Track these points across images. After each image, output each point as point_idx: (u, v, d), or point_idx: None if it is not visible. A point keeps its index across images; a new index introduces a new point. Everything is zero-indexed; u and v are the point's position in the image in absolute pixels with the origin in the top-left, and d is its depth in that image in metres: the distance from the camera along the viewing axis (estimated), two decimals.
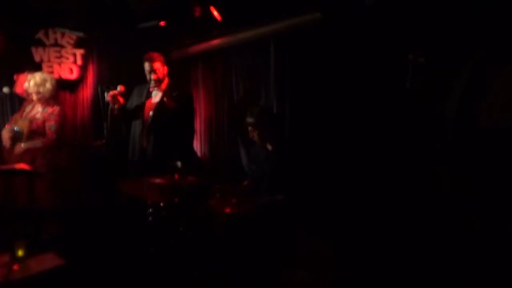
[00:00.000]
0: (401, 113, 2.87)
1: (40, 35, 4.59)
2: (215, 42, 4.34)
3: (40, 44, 4.59)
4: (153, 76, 3.59)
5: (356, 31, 3.14)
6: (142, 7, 3.88)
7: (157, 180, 2.78)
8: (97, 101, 4.78)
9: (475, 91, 2.61)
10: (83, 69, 4.83)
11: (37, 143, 3.68)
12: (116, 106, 3.47)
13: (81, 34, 4.54)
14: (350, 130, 3.22)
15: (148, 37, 4.43)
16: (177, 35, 4.69)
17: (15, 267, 2.64)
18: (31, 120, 3.70)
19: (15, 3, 4.03)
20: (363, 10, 3.01)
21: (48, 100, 3.81)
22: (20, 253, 2.70)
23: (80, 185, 4.25)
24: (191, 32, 4.54)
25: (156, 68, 3.59)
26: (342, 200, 3.14)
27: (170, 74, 3.75)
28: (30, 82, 3.72)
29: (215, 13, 3.77)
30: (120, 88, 3.46)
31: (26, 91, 3.78)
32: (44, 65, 4.58)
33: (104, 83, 4.15)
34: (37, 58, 4.57)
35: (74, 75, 4.76)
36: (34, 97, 3.76)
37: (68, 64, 4.72)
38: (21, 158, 3.59)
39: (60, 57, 4.68)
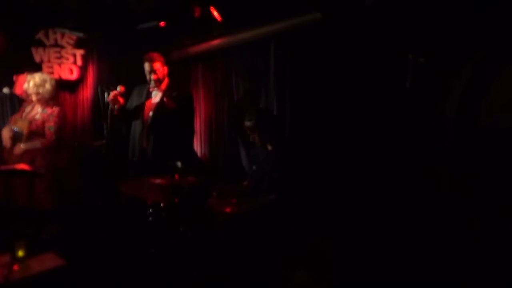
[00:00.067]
0: (401, 113, 2.87)
1: (40, 35, 4.59)
2: (215, 42, 4.34)
3: (40, 44, 4.60)
4: (153, 77, 3.59)
5: (356, 31, 3.14)
6: (142, 7, 3.88)
7: (157, 180, 2.79)
8: (97, 102, 4.79)
9: (475, 91, 2.61)
10: (83, 69, 4.83)
11: (37, 143, 3.68)
12: (116, 106, 3.47)
13: (81, 35, 4.54)
14: (350, 130, 3.22)
15: (148, 38, 4.43)
16: (177, 36, 4.69)
17: (15, 267, 2.64)
18: (31, 121, 3.70)
19: (15, 3, 4.03)
20: (363, 10, 3.01)
21: (48, 101, 3.81)
22: (20, 253, 2.70)
23: (80, 185, 4.25)
24: (191, 32, 4.54)
25: (156, 68, 3.59)
26: (342, 200, 3.14)
27: (170, 74, 3.75)
28: (30, 83, 3.72)
29: (215, 13, 3.77)
30: (120, 88, 3.46)
31: (25, 92, 3.78)
32: (44, 66, 4.59)
33: (104, 84, 4.15)
34: (37, 59, 4.58)
35: (74, 76, 4.76)
36: (34, 98, 3.76)
37: (68, 64, 4.73)
38: (20, 158, 3.60)
39: (60, 57, 4.68)
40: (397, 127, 2.90)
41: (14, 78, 3.92)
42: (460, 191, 2.65)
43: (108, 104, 3.45)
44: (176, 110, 3.48)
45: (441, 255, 2.55)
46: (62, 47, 4.68)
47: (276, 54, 3.84)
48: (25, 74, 3.82)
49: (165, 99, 3.48)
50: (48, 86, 3.77)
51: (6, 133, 3.72)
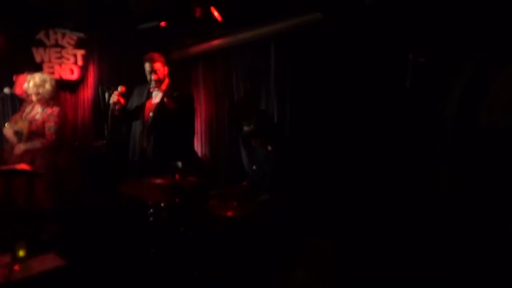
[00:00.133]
0: (401, 113, 2.87)
1: (41, 35, 4.60)
2: (216, 42, 4.34)
3: (41, 44, 4.60)
4: (153, 77, 3.59)
5: (356, 31, 3.14)
6: (143, 7, 3.89)
7: (158, 181, 2.79)
8: (98, 102, 4.81)
9: (475, 91, 2.61)
10: (84, 69, 4.84)
11: (37, 144, 3.68)
12: (116, 106, 3.47)
13: (81, 35, 4.55)
14: (350, 130, 3.22)
15: (149, 38, 4.44)
16: (177, 36, 4.69)
17: (16, 267, 2.64)
18: (31, 121, 3.70)
19: (16, 4, 4.03)
20: (363, 10, 3.01)
21: (48, 101, 3.81)
22: (21, 253, 2.70)
23: (80, 185, 4.26)
24: (192, 32, 4.55)
25: (157, 68, 3.59)
26: (342, 200, 3.14)
27: (170, 74, 3.75)
28: (30, 83, 3.72)
29: (216, 13, 3.77)
30: (120, 88, 3.46)
31: (25, 92, 3.78)
32: (44, 66, 4.59)
33: (104, 84, 4.16)
34: (37, 59, 4.58)
35: (74, 76, 4.77)
36: (34, 98, 3.76)
37: (69, 64, 4.73)
38: (20, 158, 3.60)
39: (61, 57, 4.69)
40: (397, 127, 2.90)
41: (14, 78, 3.93)
42: (460, 191, 2.65)
43: (108, 104, 3.45)
44: (176, 111, 3.49)
45: (441, 255, 2.55)
46: (62, 47, 4.69)
47: (277, 54, 3.84)
48: (25, 74, 3.82)
49: (165, 99, 3.48)
50: (48, 86, 3.77)
51: (9, 131, 3.73)
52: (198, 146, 4.97)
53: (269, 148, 3.15)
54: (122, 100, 3.51)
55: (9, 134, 3.74)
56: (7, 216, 3.48)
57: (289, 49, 3.72)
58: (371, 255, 2.74)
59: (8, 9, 4.07)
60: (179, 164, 3.19)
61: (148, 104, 3.71)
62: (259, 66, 4.06)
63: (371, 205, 2.98)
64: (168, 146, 3.59)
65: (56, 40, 4.66)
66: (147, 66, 3.63)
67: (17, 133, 3.70)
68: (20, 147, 3.65)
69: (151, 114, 3.63)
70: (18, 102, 4.20)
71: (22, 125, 3.69)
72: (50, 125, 3.71)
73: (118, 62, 4.97)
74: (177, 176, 2.84)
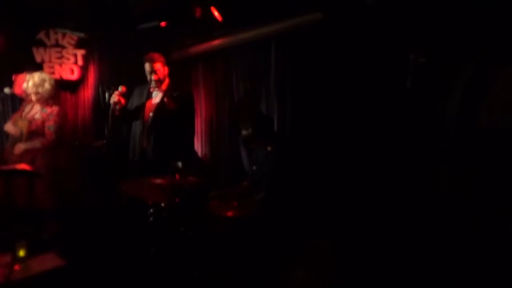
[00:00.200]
0: (401, 113, 2.87)
1: (41, 35, 4.60)
2: (216, 42, 4.35)
3: (41, 44, 4.60)
4: (153, 77, 3.59)
5: (357, 31, 3.14)
6: (143, 7, 3.89)
7: (158, 181, 2.79)
8: (98, 102, 4.81)
9: (475, 91, 2.61)
10: (84, 69, 4.84)
11: (37, 143, 3.67)
12: (117, 106, 3.48)
13: (82, 35, 4.55)
14: (350, 130, 3.22)
15: (149, 38, 4.44)
16: (177, 36, 4.69)
17: (16, 267, 2.65)
18: (30, 121, 3.70)
19: (16, 4, 4.03)
20: (364, 10, 3.01)
21: (47, 100, 3.80)
22: (21, 253, 2.71)
23: (80, 185, 4.25)
24: (192, 32, 4.55)
25: (157, 68, 3.59)
26: (343, 200, 3.14)
27: (170, 74, 3.75)
28: (29, 83, 3.71)
29: (216, 13, 3.77)
30: (121, 88, 3.47)
31: (24, 91, 3.77)
32: (45, 66, 4.59)
33: (105, 84, 4.16)
34: (38, 59, 4.58)
35: (75, 76, 4.77)
36: (33, 97, 3.75)
37: (69, 64, 4.73)
38: (21, 158, 3.60)
39: (61, 57, 4.69)
40: (397, 127, 2.90)
41: (13, 77, 3.92)
42: (460, 191, 2.64)
43: (109, 104, 3.46)
44: (176, 111, 3.49)
45: (441, 255, 2.55)
46: (63, 47, 4.69)
47: (277, 54, 3.84)
48: (24, 74, 3.82)
49: (165, 99, 3.48)
50: (47, 85, 3.76)
51: (11, 126, 3.73)
52: (198, 146, 4.97)
53: (269, 148, 3.16)
54: (122, 100, 3.51)
55: (11, 129, 3.74)
56: (8, 216, 3.48)
57: (289, 49, 3.72)
58: (371, 255, 2.73)
59: (8, 9, 4.07)
60: (179, 164, 3.19)
61: (148, 104, 3.71)
62: (259, 66, 4.06)
63: (372, 205, 2.98)
64: (168, 146, 3.59)
65: (57, 40, 4.66)
66: (147, 66, 3.63)
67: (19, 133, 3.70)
68: (20, 147, 3.65)
69: (151, 114, 3.63)
70: (18, 102, 4.20)
71: (22, 125, 3.68)
72: (50, 125, 3.71)
73: (118, 62, 4.97)
74: (177, 176, 2.84)
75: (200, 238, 2.82)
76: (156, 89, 3.66)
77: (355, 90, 3.19)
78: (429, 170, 2.77)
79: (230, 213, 2.70)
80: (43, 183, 3.66)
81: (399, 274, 2.55)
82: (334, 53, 3.34)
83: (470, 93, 2.62)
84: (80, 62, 4.77)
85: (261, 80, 4.05)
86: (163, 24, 4.09)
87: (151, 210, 2.93)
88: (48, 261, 2.80)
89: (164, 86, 3.66)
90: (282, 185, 2.96)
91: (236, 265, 2.64)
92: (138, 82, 3.88)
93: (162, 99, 3.56)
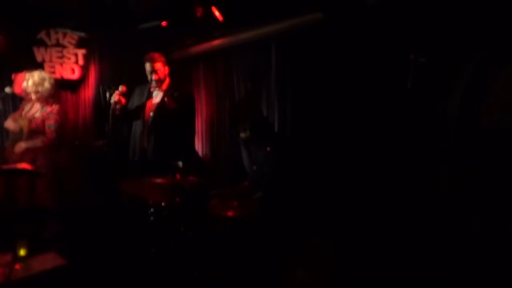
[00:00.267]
0: (402, 113, 2.87)
1: (42, 35, 4.60)
2: (217, 42, 4.35)
3: (42, 44, 4.61)
4: (154, 77, 3.59)
5: (357, 31, 3.14)
6: (144, 7, 3.89)
7: (158, 180, 2.79)
8: (99, 101, 4.82)
9: (476, 91, 2.60)
10: (85, 69, 4.84)
11: (37, 142, 3.67)
12: (117, 106, 3.48)
13: (82, 34, 4.56)
14: (351, 130, 3.22)
15: (150, 37, 4.44)
16: (178, 36, 4.70)
17: (17, 266, 2.65)
18: (30, 120, 3.69)
19: (17, 4, 4.04)
20: (364, 10, 3.01)
21: (47, 99, 3.79)
22: (21, 252, 2.71)
23: (80, 184, 4.26)
24: (193, 32, 4.55)
25: (157, 68, 3.59)
26: (343, 200, 3.14)
27: (171, 74, 3.75)
28: (29, 82, 3.71)
29: (217, 13, 3.77)
30: (121, 88, 3.47)
31: (24, 90, 3.77)
32: (46, 65, 4.60)
33: (105, 83, 4.16)
34: (39, 58, 4.59)
35: (75, 75, 4.78)
36: (33, 96, 3.75)
37: (70, 64, 4.74)
38: (21, 157, 3.60)
39: (62, 57, 4.69)
40: (398, 127, 2.90)
41: (13, 76, 3.92)
42: (460, 191, 2.64)
43: (109, 104, 3.46)
44: (177, 110, 3.49)
45: (441, 255, 2.55)
46: (63, 46, 4.69)
47: (277, 54, 3.84)
48: (23, 73, 3.81)
49: (166, 99, 3.48)
50: (47, 84, 3.76)
51: (11, 123, 3.73)
52: (198, 146, 4.97)
53: (268, 149, 3.16)
54: (123, 100, 3.51)
55: (11, 125, 3.74)
56: (8, 215, 3.49)
57: (290, 49, 3.72)
58: (372, 255, 2.73)
59: (9, 9, 4.08)
60: (180, 164, 3.19)
61: (148, 104, 3.71)
62: (260, 66, 4.06)
63: (372, 205, 2.98)
64: (169, 146, 3.59)
65: (57, 40, 4.67)
66: (147, 66, 3.63)
67: (17, 132, 3.70)
68: (21, 146, 3.65)
69: (151, 114, 3.64)
70: (19, 102, 4.20)
71: (22, 124, 3.68)
72: (50, 123, 3.70)
73: (119, 62, 4.97)
74: (177, 176, 2.84)
75: (200, 238, 2.82)
76: (157, 88, 3.66)
77: (355, 90, 3.19)
78: (429, 170, 2.77)
79: (230, 213, 2.70)
80: (44, 182, 3.66)
81: (399, 274, 2.55)
82: (335, 53, 3.34)
83: (470, 93, 2.62)
84: (80, 61, 4.77)
85: (261, 80, 4.05)
86: (163, 23, 4.09)
87: (152, 210, 2.93)
88: (49, 261, 2.80)
89: (165, 86, 3.67)
90: (281, 185, 2.96)
91: (236, 265, 2.65)
92: (138, 82, 3.88)
93: (162, 99, 3.57)
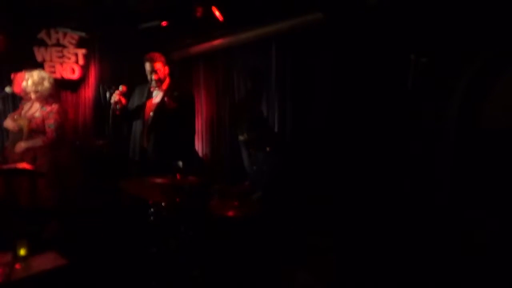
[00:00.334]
0: (402, 113, 2.87)
1: (42, 35, 4.61)
2: (217, 42, 4.35)
3: (42, 44, 4.61)
4: (154, 76, 3.59)
5: (358, 31, 3.14)
6: (144, 7, 3.88)
7: (159, 180, 2.79)
8: (99, 101, 4.82)
9: (476, 91, 2.60)
10: (85, 69, 4.84)
11: (38, 141, 3.67)
12: (117, 106, 3.48)
13: (83, 34, 4.55)
14: (351, 130, 3.22)
15: (150, 37, 4.44)
16: (178, 35, 4.69)
17: (17, 266, 2.64)
18: (30, 119, 3.69)
19: (17, 3, 4.03)
20: (365, 10, 3.01)
21: (47, 98, 3.79)
22: (22, 252, 2.70)
23: (80, 184, 4.25)
24: (193, 32, 4.55)
25: (157, 68, 3.59)
26: (343, 200, 3.14)
27: (171, 74, 3.75)
28: (28, 81, 3.70)
29: (217, 13, 3.77)
30: (121, 88, 3.47)
31: (24, 90, 3.76)
32: (46, 65, 4.60)
33: (105, 83, 4.16)
34: (39, 58, 4.59)
35: (76, 75, 4.78)
36: (32, 95, 3.74)
37: (70, 64, 4.74)
38: (22, 157, 3.60)
39: (62, 57, 4.69)
40: (398, 127, 2.90)
41: (12, 76, 3.91)
42: (460, 191, 2.64)
43: (109, 103, 3.46)
44: (177, 110, 3.49)
45: (441, 256, 2.55)
46: (64, 46, 4.69)
47: (278, 54, 3.84)
48: (23, 72, 3.81)
49: (166, 99, 3.48)
50: (46, 83, 3.75)
51: (10, 123, 3.73)
52: (199, 146, 4.97)
53: (268, 148, 3.16)
54: (123, 100, 3.52)
55: (10, 125, 3.73)
56: (9, 215, 3.48)
57: (290, 49, 3.72)
58: (372, 255, 2.73)
59: (9, 8, 4.07)
60: (180, 163, 3.19)
61: (148, 104, 3.72)
62: (260, 66, 4.06)
63: (372, 205, 2.98)
64: (169, 146, 3.59)
65: (58, 40, 4.67)
66: (147, 65, 3.63)
67: (17, 132, 3.70)
68: (21, 145, 3.64)
69: (151, 113, 3.64)
70: (19, 101, 4.20)
71: (22, 123, 3.68)
72: (50, 123, 3.70)
73: (119, 62, 4.98)
74: (177, 176, 2.84)
75: (201, 238, 2.82)
76: (157, 88, 3.66)
77: (356, 90, 3.19)
78: (429, 171, 2.77)
79: (230, 213, 2.70)
80: (45, 182, 3.66)
81: (399, 274, 2.55)
82: (335, 54, 3.34)
83: (470, 94, 2.62)
84: (81, 61, 4.77)
85: (262, 80, 4.05)
86: (164, 23, 4.08)
87: (152, 210, 2.93)
88: (49, 260, 2.80)
89: (165, 85, 3.67)
90: (280, 184, 2.96)
91: (236, 265, 2.65)
92: (138, 82, 3.88)
93: (162, 99, 3.57)
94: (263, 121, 3.76)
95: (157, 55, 3.64)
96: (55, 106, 3.78)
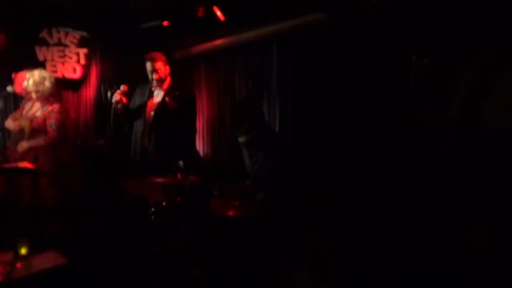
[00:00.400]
0: (403, 113, 2.87)
1: (44, 34, 4.61)
2: (218, 42, 4.35)
3: (44, 43, 4.62)
4: (154, 76, 3.60)
5: (359, 31, 3.13)
6: (145, 6, 3.89)
7: (160, 180, 2.79)
8: (100, 101, 4.83)
9: (477, 92, 2.60)
10: (87, 68, 4.85)
11: (39, 141, 3.68)
12: (119, 105, 3.48)
13: (84, 34, 4.56)
14: (352, 130, 3.22)
15: (151, 37, 4.44)
16: (180, 35, 4.69)
17: (18, 265, 2.64)
18: (31, 119, 3.70)
19: (19, 3, 4.04)
20: (367, 11, 3.01)
21: (48, 97, 3.80)
22: (23, 251, 2.70)
23: (82, 183, 4.26)
24: (194, 32, 4.55)
25: (158, 67, 3.60)
26: (344, 200, 3.14)
27: (172, 73, 3.75)
28: (29, 81, 3.71)
29: (218, 13, 3.77)
30: (123, 87, 3.47)
31: (25, 89, 3.77)
32: (47, 64, 4.61)
33: (107, 83, 4.16)
34: (40, 57, 4.60)
35: (77, 75, 4.78)
36: (33, 95, 3.75)
37: (72, 63, 4.74)
38: (24, 156, 3.60)
39: (64, 56, 4.70)
40: (399, 128, 2.90)
41: (13, 76, 3.92)
42: (461, 192, 2.64)
43: (111, 103, 3.47)
44: (178, 110, 3.49)
45: (442, 256, 2.54)
46: (65, 46, 4.70)
47: (279, 54, 3.84)
48: (24, 72, 3.81)
49: (167, 98, 3.49)
50: (47, 83, 3.76)
51: (12, 123, 3.73)
52: (200, 146, 4.97)
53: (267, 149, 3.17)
54: (124, 99, 3.52)
55: (11, 125, 3.74)
56: (10, 214, 3.49)
57: (291, 49, 3.71)
58: (372, 255, 2.73)
59: (11, 8, 4.08)
60: (181, 163, 3.19)
61: (149, 103, 3.72)
62: (261, 66, 4.06)
63: (373, 206, 2.98)
64: (170, 145, 3.59)
65: (59, 39, 4.67)
66: (148, 65, 3.63)
67: (18, 132, 3.70)
68: (23, 145, 3.65)
69: (152, 113, 3.64)
70: (20, 100, 4.21)
71: (23, 123, 3.68)
72: (51, 122, 3.71)
73: (120, 61, 4.98)
74: (178, 175, 2.85)
75: (201, 238, 2.82)
76: (158, 88, 3.66)
77: (357, 90, 3.18)
78: (430, 171, 2.77)
79: (231, 213, 2.70)
80: (48, 181, 3.67)
81: (399, 274, 2.55)
82: (337, 53, 3.34)
83: (472, 94, 2.61)
84: (82, 61, 4.78)
85: (263, 80, 4.05)
86: (165, 23, 4.09)
87: (153, 209, 2.94)
88: (50, 259, 2.80)
89: (166, 85, 3.67)
90: (281, 184, 2.96)
91: (237, 265, 2.65)
92: (140, 81, 3.88)
93: (163, 98, 3.57)
94: (262, 122, 3.76)
95: (158, 54, 3.64)
96: (56, 106, 3.78)
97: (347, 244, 2.86)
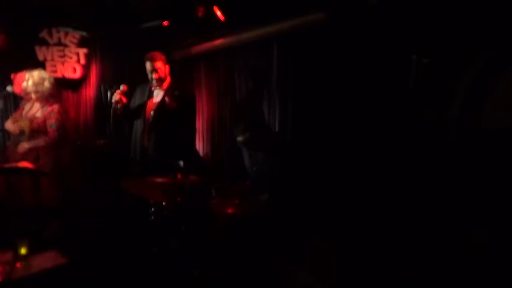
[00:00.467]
0: (403, 113, 2.87)
1: (44, 34, 4.61)
2: (218, 42, 4.35)
3: (44, 43, 4.61)
4: (154, 76, 3.60)
5: (359, 31, 3.13)
6: (145, 6, 3.89)
7: (160, 180, 2.79)
8: (100, 100, 4.83)
9: (478, 92, 2.60)
10: (86, 68, 4.85)
11: (40, 141, 3.68)
12: (118, 105, 3.48)
13: (84, 34, 4.56)
14: (352, 130, 3.22)
15: (151, 37, 4.44)
16: (180, 35, 4.69)
17: (18, 265, 2.65)
18: (31, 120, 3.70)
19: (19, 3, 4.04)
20: (366, 11, 3.01)
21: (47, 98, 3.80)
22: (23, 251, 2.71)
23: (82, 183, 4.26)
24: (194, 32, 4.55)
25: (158, 67, 3.59)
26: (344, 200, 3.14)
27: (172, 73, 3.75)
28: (29, 82, 3.71)
29: (218, 13, 3.77)
30: (123, 87, 3.47)
31: (24, 90, 3.77)
32: (47, 64, 4.60)
33: (107, 82, 4.16)
34: (40, 57, 4.60)
35: (77, 74, 4.78)
36: (33, 96, 3.75)
37: (72, 63, 4.74)
38: (24, 157, 3.60)
39: (64, 56, 4.70)
40: (399, 128, 2.90)
41: (12, 76, 3.92)
42: (462, 192, 2.64)
43: (111, 103, 3.46)
44: (177, 109, 3.49)
45: (442, 256, 2.54)
46: (65, 45, 4.70)
47: (279, 54, 3.84)
48: (23, 72, 3.81)
49: (166, 98, 3.48)
50: (47, 84, 3.76)
51: (11, 125, 3.73)
52: (199, 145, 4.97)
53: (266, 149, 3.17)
54: (124, 99, 3.52)
55: (11, 127, 3.74)
56: (12, 214, 3.49)
57: (291, 49, 3.71)
58: (372, 255, 2.73)
59: (11, 8, 4.08)
60: (181, 163, 3.19)
61: (149, 103, 3.72)
62: (261, 66, 4.06)
63: (374, 206, 2.98)
64: (169, 145, 3.59)
65: (59, 39, 4.67)
66: (148, 65, 3.63)
67: (20, 132, 3.70)
68: (24, 146, 3.65)
69: (152, 113, 3.64)
70: (20, 100, 4.21)
71: (24, 124, 3.68)
72: (52, 123, 3.71)
73: (120, 61, 4.98)
74: (178, 175, 2.85)
75: (201, 237, 2.82)
76: (158, 88, 3.66)
77: (357, 90, 3.18)
78: (430, 171, 2.77)
79: (230, 210, 2.70)
80: (49, 181, 3.67)
81: (399, 274, 2.55)
82: (337, 53, 3.34)
83: (472, 94, 2.61)
84: (82, 60, 4.78)
85: (263, 80, 4.05)
86: (165, 23, 4.09)
87: (153, 209, 2.94)
88: (50, 259, 2.80)
89: (166, 85, 3.67)
90: (281, 185, 2.96)
91: (237, 265, 2.65)
92: (140, 81, 3.88)
93: (163, 98, 3.57)
94: (260, 122, 3.76)
95: (157, 54, 3.64)
96: (56, 106, 3.78)
97: (347, 244, 2.86)
